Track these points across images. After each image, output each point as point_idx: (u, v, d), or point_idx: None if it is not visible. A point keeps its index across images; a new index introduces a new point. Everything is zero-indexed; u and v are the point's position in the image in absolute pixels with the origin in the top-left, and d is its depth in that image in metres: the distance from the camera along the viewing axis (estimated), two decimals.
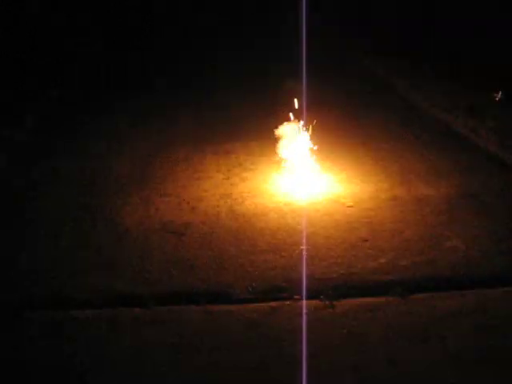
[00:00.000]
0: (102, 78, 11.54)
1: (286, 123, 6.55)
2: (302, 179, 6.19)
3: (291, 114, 6.58)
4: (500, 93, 8.99)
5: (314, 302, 4.25)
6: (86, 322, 4.08)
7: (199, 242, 5.12)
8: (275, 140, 6.66)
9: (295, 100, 6.64)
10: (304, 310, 4.16)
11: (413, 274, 4.60)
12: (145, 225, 5.42)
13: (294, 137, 6.53)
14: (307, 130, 6.55)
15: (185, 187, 6.17)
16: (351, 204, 5.73)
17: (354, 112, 8.64)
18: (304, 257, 4.85)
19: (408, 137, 7.58)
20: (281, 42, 12.62)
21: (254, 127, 7.01)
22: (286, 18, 12.67)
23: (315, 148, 6.50)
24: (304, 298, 4.31)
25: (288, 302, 4.26)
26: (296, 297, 4.31)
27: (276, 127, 6.57)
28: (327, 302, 4.24)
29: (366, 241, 5.09)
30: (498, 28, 11.09)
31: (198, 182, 6.29)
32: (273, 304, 4.24)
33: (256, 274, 4.62)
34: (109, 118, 8.66)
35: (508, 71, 9.10)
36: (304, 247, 4.98)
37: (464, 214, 5.55)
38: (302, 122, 6.59)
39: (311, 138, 6.54)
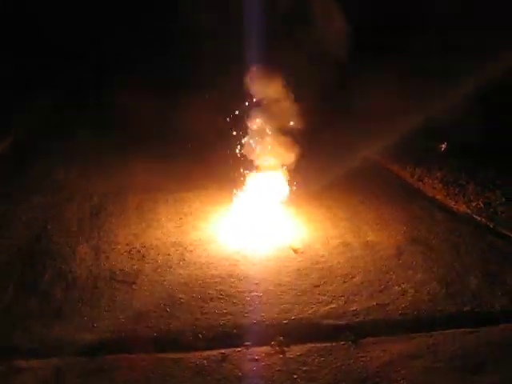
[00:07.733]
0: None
1: (235, 171, 6.63)
2: (252, 227, 6.21)
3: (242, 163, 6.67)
4: (445, 143, 9.29)
5: (265, 348, 4.24)
6: (32, 372, 3.97)
7: (150, 290, 5.06)
8: (226, 189, 6.72)
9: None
10: (254, 357, 4.14)
11: (363, 319, 4.65)
12: (94, 273, 5.33)
13: (244, 185, 6.59)
14: (256, 178, 6.62)
15: (136, 235, 6.12)
16: (302, 250, 5.78)
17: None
18: (255, 304, 4.84)
19: (357, 185, 7.71)
20: None
21: (204, 176, 7.03)
22: None
23: (264, 196, 6.56)
24: (255, 344, 4.29)
25: (239, 349, 4.24)
26: (247, 343, 4.29)
27: (226, 176, 6.65)
28: (278, 348, 4.23)
29: (317, 286, 5.12)
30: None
31: (149, 231, 6.25)
32: (223, 351, 4.21)
33: (207, 321, 4.58)
34: (58, 166, 8.52)
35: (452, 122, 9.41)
36: (255, 294, 4.98)
37: (412, 258, 5.66)
38: (253, 172, 6.68)
39: (260, 187, 6.60)
